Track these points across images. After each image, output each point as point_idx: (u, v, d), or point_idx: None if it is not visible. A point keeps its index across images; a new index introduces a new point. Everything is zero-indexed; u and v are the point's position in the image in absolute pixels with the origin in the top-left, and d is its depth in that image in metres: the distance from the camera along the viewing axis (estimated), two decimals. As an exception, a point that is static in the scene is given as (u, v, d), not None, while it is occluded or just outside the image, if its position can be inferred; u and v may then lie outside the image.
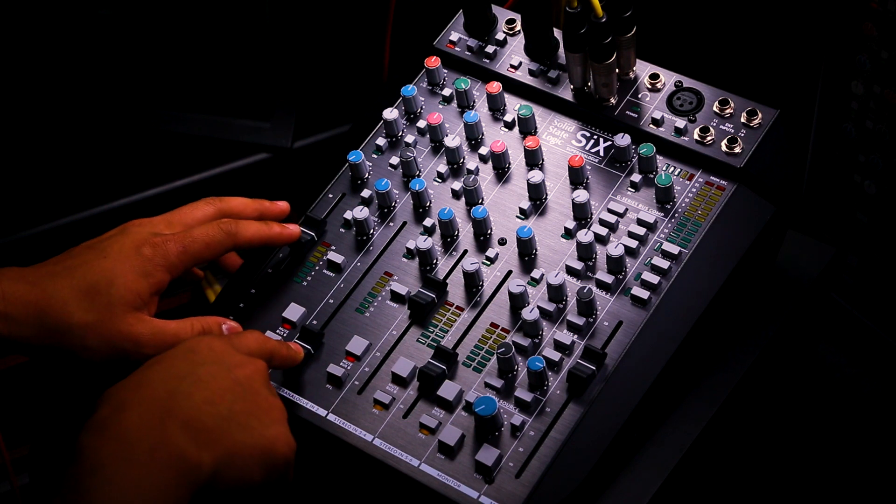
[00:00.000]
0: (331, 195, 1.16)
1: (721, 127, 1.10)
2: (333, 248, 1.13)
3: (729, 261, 1.06)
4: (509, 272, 1.09)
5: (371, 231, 1.13)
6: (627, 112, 1.13)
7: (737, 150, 1.09)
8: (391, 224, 1.14)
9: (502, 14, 1.20)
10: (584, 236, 1.07)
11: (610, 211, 1.10)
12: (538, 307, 1.06)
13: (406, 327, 1.08)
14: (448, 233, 1.11)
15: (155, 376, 0.95)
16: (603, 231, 1.08)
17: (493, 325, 1.07)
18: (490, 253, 1.10)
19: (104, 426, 0.90)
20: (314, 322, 1.09)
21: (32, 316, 1.00)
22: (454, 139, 1.15)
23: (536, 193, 1.12)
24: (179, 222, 1.09)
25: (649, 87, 1.14)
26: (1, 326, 1.00)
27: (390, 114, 1.17)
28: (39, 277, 1.02)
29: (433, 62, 1.19)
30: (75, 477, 0.88)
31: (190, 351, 0.97)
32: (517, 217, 1.12)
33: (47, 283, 1.01)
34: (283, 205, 1.15)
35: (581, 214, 1.10)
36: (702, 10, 1.50)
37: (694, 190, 1.09)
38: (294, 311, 1.10)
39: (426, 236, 1.11)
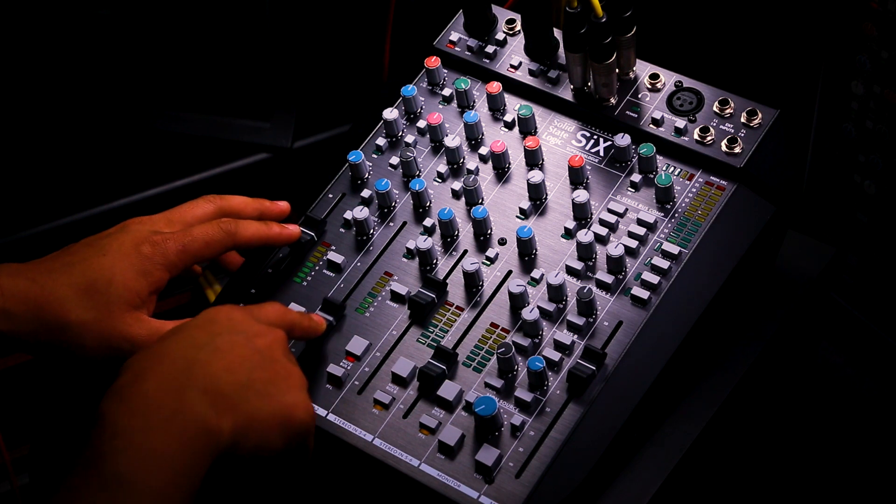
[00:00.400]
0: (331, 195, 1.16)
1: (721, 127, 1.10)
2: (333, 248, 1.13)
3: (729, 261, 1.06)
4: (509, 272, 1.09)
5: (371, 231, 1.13)
6: (627, 112, 1.13)
7: (737, 150, 1.09)
8: (391, 224, 1.13)
9: (502, 14, 1.20)
10: (584, 236, 1.07)
11: (610, 211, 1.09)
12: (538, 307, 1.05)
13: (406, 327, 1.08)
14: (448, 233, 1.11)
15: (175, 346, 0.95)
16: (603, 231, 1.08)
17: (493, 325, 1.07)
18: (490, 253, 1.10)
19: (124, 393, 0.91)
20: (338, 291, 1.09)
21: (31, 312, 1.00)
22: (454, 139, 1.14)
23: (536, 193, 1.11)
24: (179, 220, 1.09)
25: (649, 87, 1.14)
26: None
27: (390, 114, 1.17)
28: (38, 274, 1.02)
29: (433, 62, 1.19)
30: (95, 442, 0.88)
31: (209, 321, 0.98)
32: (517, 217, 1.11)
33: (46, 279, 1.01)
34: (283, 205, 1.15)
35: (581, 214, 1.10)
36: (702, 10, 1.50)
37: (694, 190, 1.09)
38: (294, 311, 1.10)
39: (426, 236, 1.11)
